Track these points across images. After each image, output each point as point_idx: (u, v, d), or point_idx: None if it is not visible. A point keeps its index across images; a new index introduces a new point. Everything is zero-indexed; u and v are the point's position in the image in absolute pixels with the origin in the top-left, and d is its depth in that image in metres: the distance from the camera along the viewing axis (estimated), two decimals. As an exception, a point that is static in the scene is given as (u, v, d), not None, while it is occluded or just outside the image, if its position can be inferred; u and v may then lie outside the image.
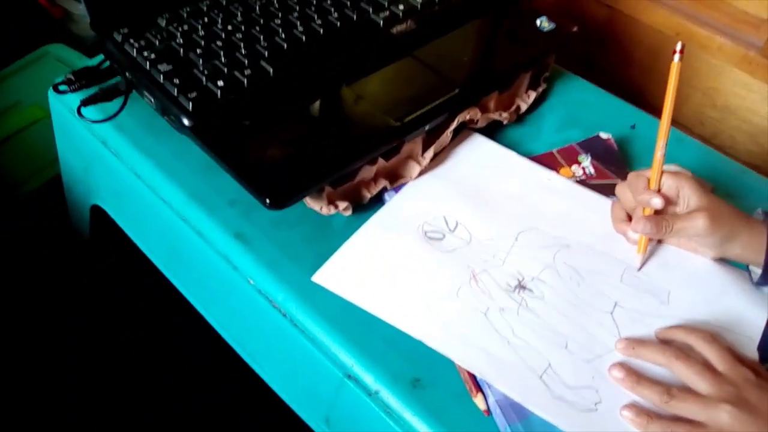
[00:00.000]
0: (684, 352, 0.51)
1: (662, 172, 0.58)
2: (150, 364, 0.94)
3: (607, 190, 0.66)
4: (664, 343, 0.53)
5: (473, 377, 0.51)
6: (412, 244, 0.59)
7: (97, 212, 0.80)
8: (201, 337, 0.78)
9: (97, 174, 0.75)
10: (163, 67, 0.61)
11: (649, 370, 0.52)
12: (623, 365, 0.52)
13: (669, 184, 0.58)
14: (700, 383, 0.49)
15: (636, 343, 0.53)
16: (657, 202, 0.57)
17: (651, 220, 0.57)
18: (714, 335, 0.52)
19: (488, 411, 0.49)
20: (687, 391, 0.49)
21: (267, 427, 0.89)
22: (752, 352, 0.54)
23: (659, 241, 0.62)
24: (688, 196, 0.57)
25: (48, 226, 1.00)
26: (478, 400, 0.50)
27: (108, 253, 0.94)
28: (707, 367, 0.50)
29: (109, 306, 0.98)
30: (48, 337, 0.94)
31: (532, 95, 0.74)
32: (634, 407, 0.49)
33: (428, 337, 0.53)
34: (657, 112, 0.78)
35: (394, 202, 0.63)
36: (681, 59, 0.57)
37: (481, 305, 0.55)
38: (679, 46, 0.57)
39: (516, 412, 0.49)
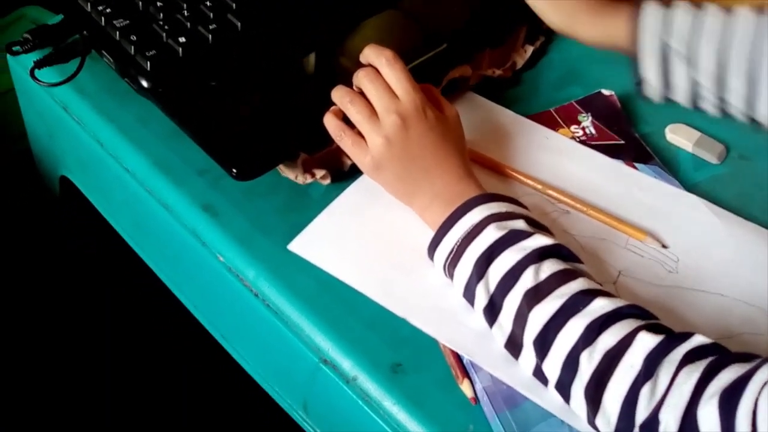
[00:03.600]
0: (377, 75, 0.51)
1: None
2: (122, 350, 0.91)
3: (609, 152, 0.61)
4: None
5: (460, 362, 0.46)
6: (397, 212, 0.54)
7: (67, 184, 0.75)
8: (182, 325, 0.74)
9: (62, 142, 0.70)
10: (119, 22, 0.55)
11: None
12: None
13: None
14: (377, 101, 0.50)
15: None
16: None
17: None
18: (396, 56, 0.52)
19: (475, 399, 0.45)
20: (366, 103, 0.51)
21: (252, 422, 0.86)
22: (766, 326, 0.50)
23: None
24: None
25: (19, 200, 0.95)
26: (465, 387, 0.45)
27: (80, 228, 0.90)
28: (388, 89, 0.51)
29: (78, 288, 0.94)
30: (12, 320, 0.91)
31: (529, 50, 0.68)
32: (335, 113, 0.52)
33: (411, 315, 0.48)
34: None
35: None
36: None
37: None
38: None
39: (505, 399, 0.44)
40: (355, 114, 0.51)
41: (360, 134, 0.51)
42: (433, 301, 0.49)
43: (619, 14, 0.52)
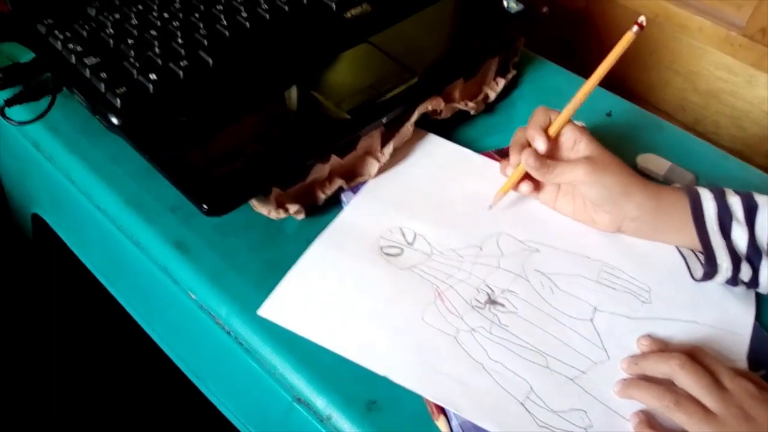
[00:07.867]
0: (691, 362, 0.46)
1: (567, 122, 0.55)
2: (93, 390, 0.89)
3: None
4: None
5: (435, 397, 0.46)
6: (366, 265, 0.53)
7: (39, 221, 0.74)
8: (155, 365, 0.73)
9: (33, 180, 0.70)
10: (90, 60, 0.55)
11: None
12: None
13: (568, 136, 0.55)
14: (706, 397, 0.44)
15: (638, 358, 0.49)
16: (541, 144, 0.54)
17: (534, 152, 0.54)
18: (694, 351, 0.47)
19: (451, 435, 0.44)
20: (696, 402, 0.44)
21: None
22: (743, 349, 0.50)
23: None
24: (582, 149, 0.55)
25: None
26: (441, 423, 0.45)
27: (51, 266, 0.88)
28: (714, 381, 0.45)
29: (48, 327, 0.92)
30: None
31: (501, 82, 0.69)
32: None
33: (394, 372, 0.46)
34: (636, 99, 0.73)
35: (343, 215, 0.57)
36: (638, 33, 0.54)
37: (449, 328, 0.49)
38: (641, 19, 0.54)
39: (481, 436, 0.44)
40: (684, 416, 0.44)
41: None
42: (416, 355, 0.47)
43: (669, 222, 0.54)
